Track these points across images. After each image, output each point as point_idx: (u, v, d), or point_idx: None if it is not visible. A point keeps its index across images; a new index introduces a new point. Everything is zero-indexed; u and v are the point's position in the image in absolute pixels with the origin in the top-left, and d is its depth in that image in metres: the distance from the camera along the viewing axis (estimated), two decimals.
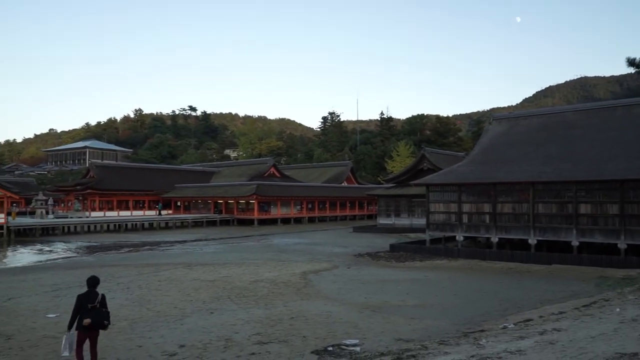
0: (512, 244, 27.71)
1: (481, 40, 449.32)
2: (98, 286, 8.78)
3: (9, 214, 48.21)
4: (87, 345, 8.58)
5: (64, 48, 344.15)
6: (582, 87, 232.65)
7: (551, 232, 25.20)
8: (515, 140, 30.42)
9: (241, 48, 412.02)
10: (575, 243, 24.34)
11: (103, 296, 8.69)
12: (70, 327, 8.46)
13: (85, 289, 8.75)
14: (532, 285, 18.78)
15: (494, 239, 26.91)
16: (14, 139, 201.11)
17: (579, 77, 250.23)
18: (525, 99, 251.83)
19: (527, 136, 30.26)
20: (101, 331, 8.70)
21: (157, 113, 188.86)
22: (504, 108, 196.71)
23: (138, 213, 62.42)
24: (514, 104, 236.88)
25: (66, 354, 8.47)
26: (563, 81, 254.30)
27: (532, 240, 25.51)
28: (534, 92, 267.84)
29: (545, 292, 17.09)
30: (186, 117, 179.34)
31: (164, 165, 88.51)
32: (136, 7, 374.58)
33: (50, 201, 59.62)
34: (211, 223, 57.61)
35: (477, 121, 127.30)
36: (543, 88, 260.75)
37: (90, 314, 8.39)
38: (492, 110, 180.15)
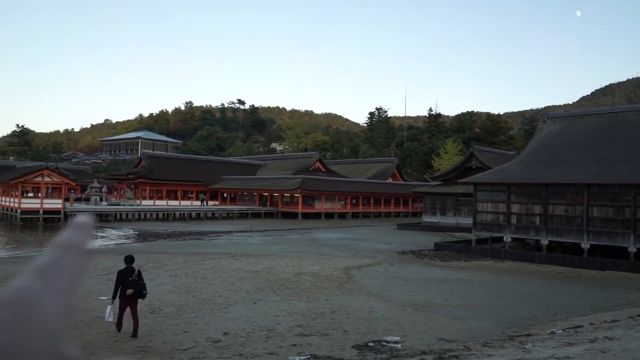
0: (562, 247, 26.68)
1: (537, 35, 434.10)
2: (134, 263, 10.57)
3: (67, 199, 50.71)
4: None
5: (120, 41, 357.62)
6: None
7: (606, 237, 24.10)
8: (571, 140, 29.23)
9: (290, 43, 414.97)
10: (632, 249, 23.17)
11: (139, 271, 10.44)
12: (114, 298, 10.15)
13: (124, 266, 10.43)
14: (583, 291, 18.06)
15: (544, 242, 26.01)
16: (72, 128, 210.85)
17: None
18: (583, 97, 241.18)
19: (584, 136, 29.02)
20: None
21: (206, 106, 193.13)
22: (559, 106, 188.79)
23: (186, 203, 64.15)
24: (570, 102, 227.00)
25: (110, 320, 10.13)
26: (625, 79, 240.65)
27: (585, 245, 24.48)
28: (593, 90, 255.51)
29: (597, 299, 16.41)
30: (235, 111, 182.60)
31: (212, 157, 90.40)
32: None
33: (104, 189, 62.18)
34: (256, 215, 58.50)
35: (530, 120, 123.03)
36: (603, 86, 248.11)
37: (131, 285, 10.06)
38: (547, 108, 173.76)
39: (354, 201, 66.33)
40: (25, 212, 44.95)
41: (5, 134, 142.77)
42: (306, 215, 58.85)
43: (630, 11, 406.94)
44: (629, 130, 27.39)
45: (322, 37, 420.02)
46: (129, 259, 10.55)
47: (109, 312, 10.10)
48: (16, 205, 45.78)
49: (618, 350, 8.00)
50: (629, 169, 24.19)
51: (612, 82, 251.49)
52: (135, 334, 10.12)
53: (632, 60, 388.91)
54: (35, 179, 46.06)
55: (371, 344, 9.95)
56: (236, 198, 67.52)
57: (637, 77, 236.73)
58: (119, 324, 10.33)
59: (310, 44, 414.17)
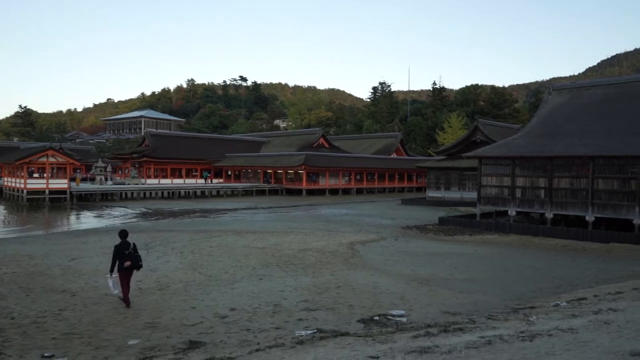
0: (567, 220, 26.68)
1: (542, 5, 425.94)
2: (128, 237, 11.07)
3: (73, 179, 50.93)
4: None
5: (119, 21, 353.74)
6: None
7: (611, 210, 24.06)
8: (577, 112, 28.95)
9: (291, 19, 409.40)
10: (637, 221, 23.11)
11: (134, 244, 10.96)
12: (112, 270, 10.73)
13: (119, 241, 10.90)
14: (587, 263, 18.11)
15: (549, 215, 26.00)
16: (75, 108, 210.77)
17: None
18: (589, 68, 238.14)
19: (590, 108, 28.71)
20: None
21: (208, 83, 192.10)
22: (565, 78, 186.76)
23: (190, 181, 64.34)
24: (576, 73, 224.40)
25: (116, 291, 10.80)
26: (632, 48, 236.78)
27: (590, 217, 24.47)
28: (599, 60, 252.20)
29: (601, 272, 16.46)
30: (237, 88, 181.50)
31: (216, 135, 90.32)
32: None
33: (109, 168, 62.35)
34: (260, 192, 58.68)
35: (536, 92, 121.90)
36: (609, 56, 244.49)
37: (128, 258, 10.60)
38: (552, 80, 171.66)
39: (358, 177, 66.35)
40: (31, 192, 45.22)
41: (8, 115, 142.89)
42: (310, 192, 58.99)
43: None
44: (636, 101, 27.04)
45: (324, 12, 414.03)
46: (123, 234, 11.03)
47: (112, 284, 10.77)
48: (22, 185, 46.03)
49: (622, 321, 8.05)
50: (636, 140, 23.98)
51: (619, 52, 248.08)
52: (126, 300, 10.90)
53: (639, 30, 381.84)
54: (40, 160, 46.22)
55: (376, 318, 10.05)
56: (240, 175, 67.62)
57: None
58: (125, 299, 10.77)
59: (312, 19, 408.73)
